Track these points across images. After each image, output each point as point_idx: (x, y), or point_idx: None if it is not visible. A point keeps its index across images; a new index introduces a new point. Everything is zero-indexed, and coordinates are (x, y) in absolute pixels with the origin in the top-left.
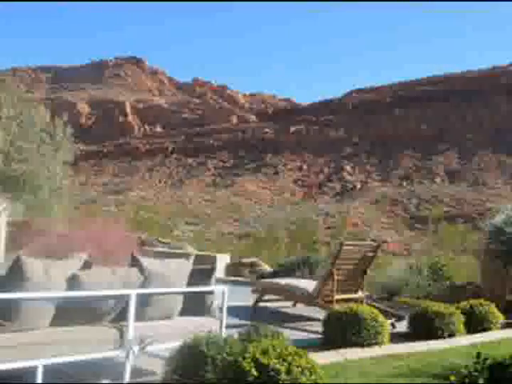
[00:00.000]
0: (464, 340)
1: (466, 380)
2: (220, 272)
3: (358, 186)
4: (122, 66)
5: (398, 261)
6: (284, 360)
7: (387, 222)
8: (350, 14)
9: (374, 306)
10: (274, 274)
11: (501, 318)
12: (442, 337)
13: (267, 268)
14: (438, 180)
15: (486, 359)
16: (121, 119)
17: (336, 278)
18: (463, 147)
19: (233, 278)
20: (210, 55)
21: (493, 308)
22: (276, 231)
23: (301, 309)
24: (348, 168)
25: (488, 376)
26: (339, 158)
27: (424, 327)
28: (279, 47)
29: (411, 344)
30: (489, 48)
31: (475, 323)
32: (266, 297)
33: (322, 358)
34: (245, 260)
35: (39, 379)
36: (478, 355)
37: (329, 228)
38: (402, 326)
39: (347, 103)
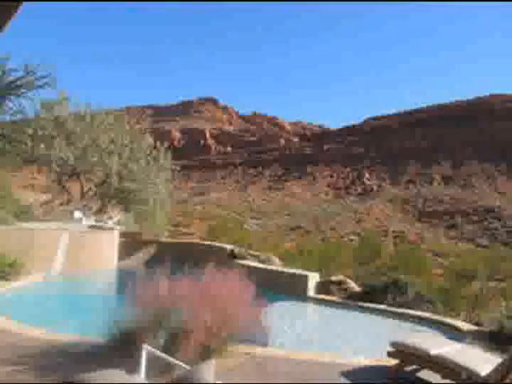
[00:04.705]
0: None
1: None
2: (311, 290)
3: (375, 188)
4: (203, 104)
5: None
6: None
7: (401, 217)
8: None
9: None
10: (363, 295)
11: None
12: None
13: (355, 287)
14: (435, 184)
15: None
16: (202, 142)
17: None
18: (454, 158)
19: (328, 298)
20: (264, 93)
21: None
22: (344, 244)
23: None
24: (367, 175)
25: None
26: (360, 167)
27: None
28: (315, 86)
29: None
30: (475, 80)
31: None
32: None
33: None
34: (333, 278)
35: None
36: None
37: (359, 221)
38: None
39: (365, 127)
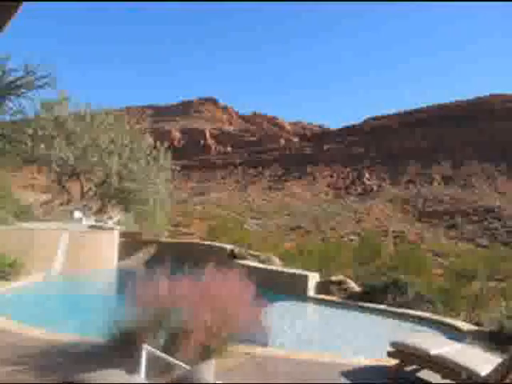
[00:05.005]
0: None
1: None
2: (311, 290)
3: (375, 189)
4: (203, 104)
5: None
6: None
7: (401, 217)
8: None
9: None
10: (363, 295)
11: None
12: None
13: (355, 287)
14: (435, 184)
15: None
16: (202, 142)
17: None
18: (454, 158)
19: (328, 298)
20: (264, 93)
21: None
22: (344, 244)
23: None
24: (367, 175)
25: None
26: (360, 167)
27: None
28: (316, 86)
29: None
30: (474, 80)
31: None
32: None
33: None
34: (333, 278)
35: None
36: None
37: (359, 221)
38: None
39: (365, 127)
